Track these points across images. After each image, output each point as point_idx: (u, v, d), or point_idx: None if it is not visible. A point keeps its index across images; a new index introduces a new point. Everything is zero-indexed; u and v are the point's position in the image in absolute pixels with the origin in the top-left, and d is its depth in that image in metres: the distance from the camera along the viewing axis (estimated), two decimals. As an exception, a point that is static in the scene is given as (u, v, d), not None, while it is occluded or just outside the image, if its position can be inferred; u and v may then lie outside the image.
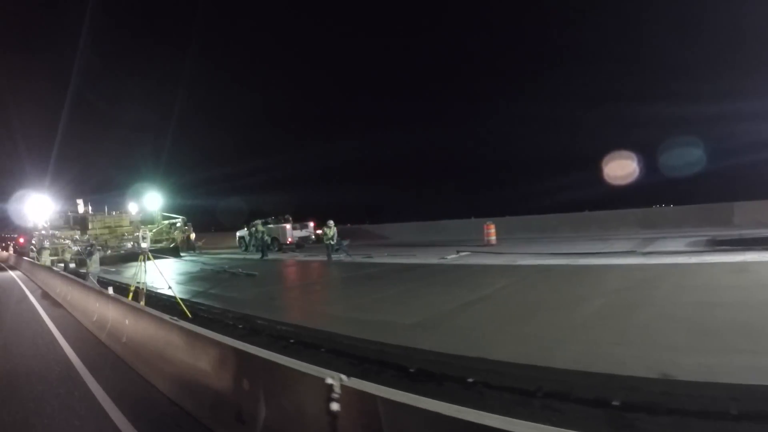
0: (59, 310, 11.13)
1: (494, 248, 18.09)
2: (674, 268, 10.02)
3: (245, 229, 26.27)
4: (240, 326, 8.12)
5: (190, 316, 8.99)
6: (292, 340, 6.90)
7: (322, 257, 19.54)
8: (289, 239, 24.30)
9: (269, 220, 25.72)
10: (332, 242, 17.79)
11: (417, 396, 2.46)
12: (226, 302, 10.25)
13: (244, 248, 26.41)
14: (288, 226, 24.55)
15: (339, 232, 20.18)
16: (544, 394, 4.22)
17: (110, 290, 7.83)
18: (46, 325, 9.25)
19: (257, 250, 24.58)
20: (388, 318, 7.67)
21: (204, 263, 20.75)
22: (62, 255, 20.26)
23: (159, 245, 28.39)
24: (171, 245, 27.43)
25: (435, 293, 9.89)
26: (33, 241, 28.78)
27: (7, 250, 42.89)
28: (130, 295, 9.00)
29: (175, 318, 5.23)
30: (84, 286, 10.03)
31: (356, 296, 10.13)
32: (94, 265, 13.82)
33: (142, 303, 8.47)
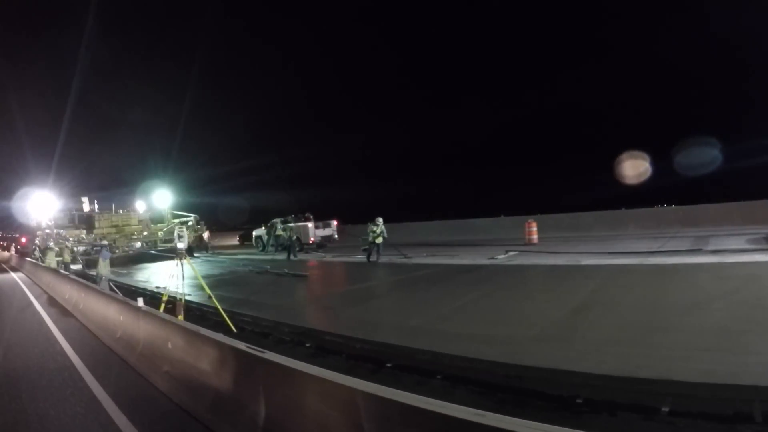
0: (70, 320, 9.49)
1: (541, 247, 16.85)
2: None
3: (263, 227, 24.64)
4: (307, 344, 6.48)
5: (235, 330, 7.35)
6: (389, 364, 5.30)
7: (353, 257, 17.98)
8: (312, 239, 22.69)
9: (289, 218, 24.11)
10: (379, 241, 15.80)
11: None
12: (276, 312, 8.62)
13: (261, 248, 24.82)
14: (310, 224, 22.94)
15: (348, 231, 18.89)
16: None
17: (140, 302, 6.18)
18: (58, 342, 7.60)
19: (277, 250, 23.06)
20: (491, 331, 6.29)
21: (228, 264, 19.12)
22: (64, 255, 18.60)
23: (168, 245, 26.81)
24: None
25: (520, 298, 8.65)
26: (36, 241, 27.15)
27: (8, 250, 41.23)
28: (162, 306, 7.33)
29: (257, 348, 3.57)
30: (101, 293, 8.38)
31: (432, 304, 8.58)
32: (105, 268, 12.16)
33: (181, 317, 6.83)
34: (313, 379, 2.86)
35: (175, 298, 7.94)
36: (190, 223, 26.66)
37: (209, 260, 22.24)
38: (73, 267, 18.85)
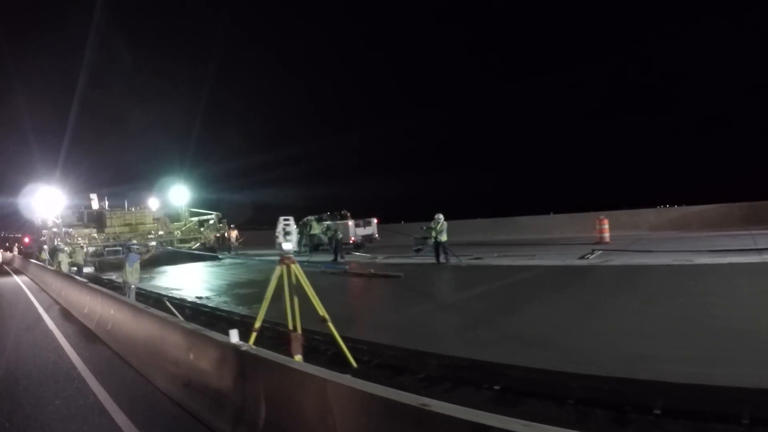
0: (98, 348, 6.99)
1: (619, 245, 14.72)
2: None
3: (294, 226, 22.09)
4: (489, 386, 4.14)
5: (355, 366, 4.86)
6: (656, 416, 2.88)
7: (411, 258, 15.54)
8: (352, 238, 20.22)
9: (324, 216, 21.68)
10: (444, 239, 13.58)
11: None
12: (392, 332, 6.29)
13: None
14: (351, 222, 20.48)
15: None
16: None
17: (234, 337, 3.64)
18: (88, 387, 5.09)
19: (311, 251, 20.63)
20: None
21: (268, 267, 16.57)
22: (76, 257, 16.12)
23: (186, 245, 24.40)
24: (205, 246, 23.33)
25: (710, 306, 6.53)
26: (43, 240, 24.67)
27: (11, 251, 38.73)
28: (253, 337, 4.76)
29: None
30: (145, 313, 5.86)
31: (596, 315, 6.54)
32: (134, 274, 9.64)
33: (299, 358, 4.31)
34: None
35: (280, 326, 5.41)
36: (211, 222, 24.22)
37: (240, 262, 19.76)
38: (86, 270, 16.38)
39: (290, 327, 4.91)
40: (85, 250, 16.49)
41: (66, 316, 9.92)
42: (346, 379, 2.73)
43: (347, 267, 14.60)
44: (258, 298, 8.16)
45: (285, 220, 5.13)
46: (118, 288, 12.97)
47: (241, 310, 9.03)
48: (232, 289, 12.49)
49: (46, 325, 9.13)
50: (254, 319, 5.31)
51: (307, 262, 15.13)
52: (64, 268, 14.29)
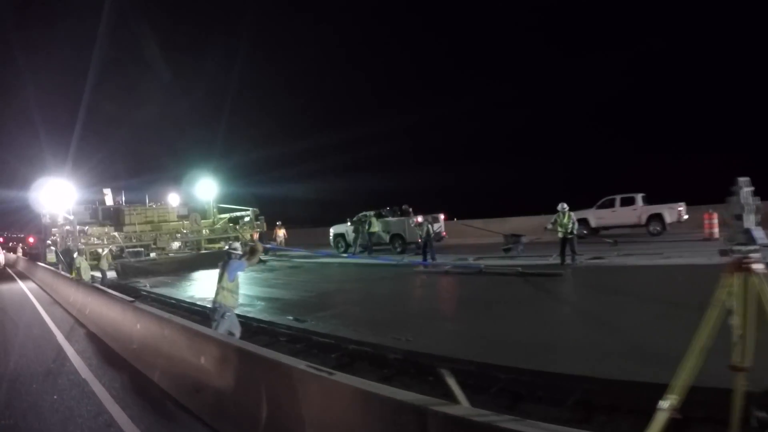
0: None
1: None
2: None
3: (348, 223, 18.97)
4: None
5: None
6: None
7: (508, 260, 12.44)
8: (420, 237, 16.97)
9: (383, 211, 18.54)
10: (576, 233, 11.32)
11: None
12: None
13: (343, 249, 19.20)
14: (420, 218, 17.25)
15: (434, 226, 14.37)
16: None
17: None
18: None
19: (370, 251, 17.50)
20: None
21: (346, 269, 13.42)
22: (101, 262, 12.97)
23: (216, 246, 21.19)
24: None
25: None
26: (50, 241, 21.49)
27: (14, 252, 35.50)
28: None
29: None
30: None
31: None
32: (232, 297, 5.66)
33: None
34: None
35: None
36: (247, 219, 21.00)
37: (294, 266, 16.57)
38: (110, 276, 13.19)
39: None
40: (109, 251, 13.24)
41: (102, 351, 6.66)
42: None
43: (448, 267, 12.45)
44: (403, 315, 5.28)
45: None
46: (164, 303, 9.80)
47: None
48: (336, 305, 9.19)
49: (74, 368, 5.89)
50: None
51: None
52: (86, 275, 11.06)
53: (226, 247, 6.01)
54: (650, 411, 2.27)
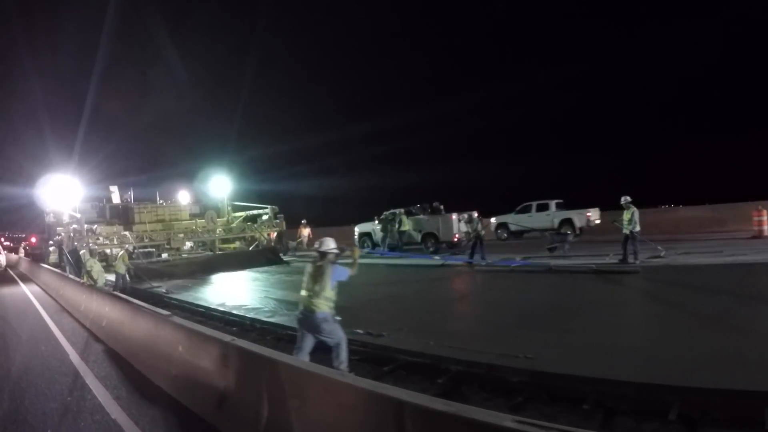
0: None
1: None
2: None
3: (375, 221, 17.67)
4: None
5: None
6: None
7: (556, 259, 11.44)
8: (456, 235, 15.75)
9: (413, 209, 17.26)
10: (637, 230, 10.45)
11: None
12: None
13: (369, 248, 17.90)
14: (454, 216, 16.02)
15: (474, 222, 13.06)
16: None
17: None
18: None
19: (401, 250, 16.22)
20: None
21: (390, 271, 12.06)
22: (117, 265, 11.68)
23: (230, 246, 19.93)
24: (258, 246, 18.80)
25: None
26: (53, 241, 20.18)
27: (16, 252, 34.13)
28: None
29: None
30: None
31: None
32: (329, 300, 4.52)
33: None
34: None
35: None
36: (265, 217, 19.66)
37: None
38: (127, 280, 11.84)
39: None
40: (125, 252, 11.86)
41: (131, 378, 5.31)
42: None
43: (516, 264, 11.58)
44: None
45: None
46: (191, 312, 8.44)
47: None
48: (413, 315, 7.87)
49: (98, 403, 4.56)
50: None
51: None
52: (100, 280, 9.71)
53: (320, 246, 4.75)
54: None
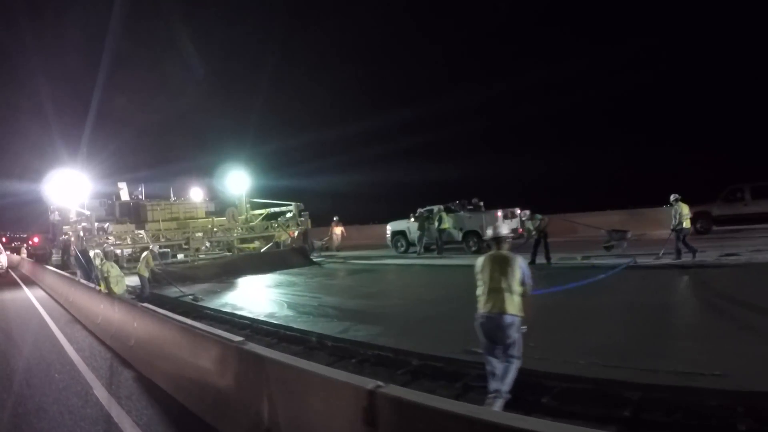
0: None
1: None
2: None
3: (411, 219, 16.22)
4: None
5: None
6: None
7: (613, 259, 10.39)
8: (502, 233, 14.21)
9: (452, 206, 15.85)
10: (687, 227, 10.03)
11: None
12: None
13: (403, 249, 16.51)
14: (500, 213, 14.61)
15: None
16: None
17: None
18: None
19: (440, 251, 14.92)
20: None
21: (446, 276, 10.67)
22: (140, 267, 10.23)
23: (250, 246, 18.51)
24: (278, 246, 17.39)
25: None
26: (59, 240, 18.72)
27: (18, 253, 32.65)
28: None
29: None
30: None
31: None
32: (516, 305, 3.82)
33: None
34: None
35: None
36: (289, 215, 18.18)
37: (364, 268, 13.78)
38: (147, 289, 10.37)
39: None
40: (149, 253, 10.32)
41: (189, 428, 3.83)
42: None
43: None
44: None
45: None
46: (232, 324, 6.91)
47: None
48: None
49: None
50: None
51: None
52: (119, 287, 8.20)
53: (492, 233, 4.06)
54: None
